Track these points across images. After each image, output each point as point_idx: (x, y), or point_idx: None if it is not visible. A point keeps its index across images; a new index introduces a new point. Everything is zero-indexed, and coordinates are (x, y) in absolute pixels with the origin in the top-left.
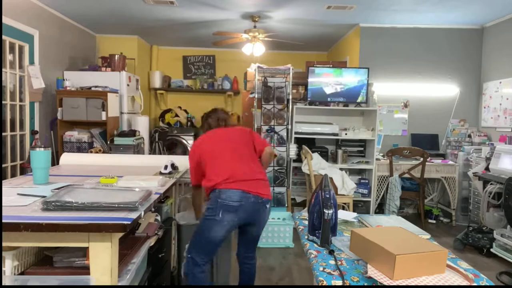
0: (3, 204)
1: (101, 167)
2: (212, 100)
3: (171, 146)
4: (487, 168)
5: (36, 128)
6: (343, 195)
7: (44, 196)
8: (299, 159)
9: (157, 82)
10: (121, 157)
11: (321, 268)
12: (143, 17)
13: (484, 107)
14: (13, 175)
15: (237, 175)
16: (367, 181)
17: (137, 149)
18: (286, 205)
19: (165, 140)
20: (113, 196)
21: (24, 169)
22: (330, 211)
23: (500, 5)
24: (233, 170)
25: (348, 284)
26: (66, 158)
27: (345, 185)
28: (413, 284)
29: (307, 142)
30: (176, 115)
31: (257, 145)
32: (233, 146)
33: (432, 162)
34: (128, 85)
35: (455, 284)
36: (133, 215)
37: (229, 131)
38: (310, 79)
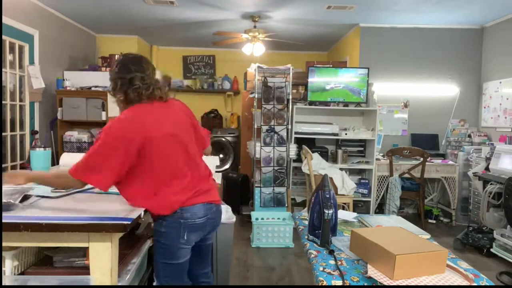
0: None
1: None
2: (212, 100)
3: None
4: (487, 168)
5: (36, 128)
6: (343, 195)
7: (44, 196)
8: (299, 159)
9: None
10: None
11: (321, 268)
12: (143, 17)
13: (484, 107)
14: None
15: (199, 185)
16: (367, 181)
17: None
18: (286, 205)
19: None
20: None
21: (24, 169)
22: (330, 211)
23: (500, 5)
24: (193, 178)
25: (348, 284)
26: (66, 158)
27: (345, 185)
28: (413, 284)
29: (307, 142)
30: None
31: (202, 134)
32: (183, 138)
33: (432, 162)
34: None
35: (455, 284)
36: (133, 215)
37: (170, 109)
38: (310, 79)
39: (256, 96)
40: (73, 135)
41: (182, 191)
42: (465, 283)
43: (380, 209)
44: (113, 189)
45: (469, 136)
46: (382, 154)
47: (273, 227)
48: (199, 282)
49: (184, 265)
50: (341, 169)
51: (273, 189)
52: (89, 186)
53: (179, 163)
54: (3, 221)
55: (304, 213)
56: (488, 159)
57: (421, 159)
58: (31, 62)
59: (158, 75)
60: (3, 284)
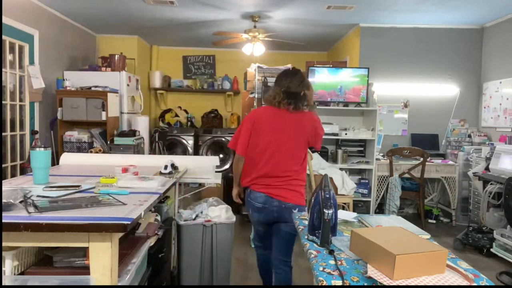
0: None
1: (101, 167)
2: (212, 100)
3: (171, 146)
4: (487, 168)
5: (36, 128)
6: (343, 195)
7: (46, 197)
8: None
9: (157, 82)
10: (121, 157)
11: (321, 268)
12: (143, 17)
13: (484, 107)
14: (13, 175)
15: (263, 179)
16: (367, 181)
17: (137, 149)
18: None
19: (165, 140)
20: None
21: (24, 169)
22: (330, 211)
23: (500, 5)
24: (260, 170)
25: (348, 284)
26: (66, 158)
27: (345, 185)
28: (413, 284)
29: None
30: (176, 115)
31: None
32: (278, 137)
33: (432, 162)
34: (128, 85)
35: (455, 284)
36: (133, 215)
37: (289, 117)
38: (310, 79)
39: (256, 96)
40: (73, 135)
41: (250, 174)
42: (465, 283)
43: (380, 209)
44: (114, 189)
45: (469, 136)
46: (382, 154)
47: None
48: (275, 267)
49: (258, 233)
50: (341, 169)
51: None
52: (88, 186)
53: (257, 151)
54: (3, 221)
55: (304, 213)
56: (488, 159)
57: (421, 159)
58: (31, 62)
59: (158, 75)
60: (3, 284)
